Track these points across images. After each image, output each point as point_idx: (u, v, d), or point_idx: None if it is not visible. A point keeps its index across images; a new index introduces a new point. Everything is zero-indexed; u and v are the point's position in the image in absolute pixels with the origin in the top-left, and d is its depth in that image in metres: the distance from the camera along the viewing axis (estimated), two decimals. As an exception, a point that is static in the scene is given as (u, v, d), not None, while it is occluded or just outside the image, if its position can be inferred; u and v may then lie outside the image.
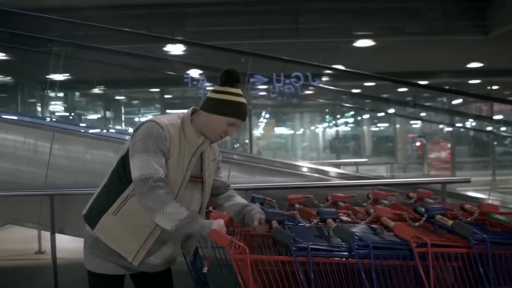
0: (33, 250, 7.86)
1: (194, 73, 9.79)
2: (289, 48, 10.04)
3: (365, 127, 16.31)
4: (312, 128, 15.82)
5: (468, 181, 4.66)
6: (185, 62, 9.33)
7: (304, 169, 6.64)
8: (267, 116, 15.35)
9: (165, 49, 9.51)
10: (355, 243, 2.88)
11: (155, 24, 9.14)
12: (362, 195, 4.11)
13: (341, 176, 7.05)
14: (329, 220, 3.13)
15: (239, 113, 2.76)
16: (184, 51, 9.35)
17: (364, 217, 3.44)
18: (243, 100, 2.77)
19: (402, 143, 15.23)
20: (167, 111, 14.06)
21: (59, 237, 5.00)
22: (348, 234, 2.84)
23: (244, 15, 9.11)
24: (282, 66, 9.53)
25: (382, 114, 14.64)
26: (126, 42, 9.03)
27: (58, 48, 7.64)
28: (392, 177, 11.23)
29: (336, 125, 15.57)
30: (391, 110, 14.44)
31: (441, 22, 8.88)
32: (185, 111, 2.87)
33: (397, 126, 15.38)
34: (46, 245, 7.06)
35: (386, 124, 16.25)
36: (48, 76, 10.67)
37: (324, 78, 10.60)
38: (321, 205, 3.91)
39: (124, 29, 7.31)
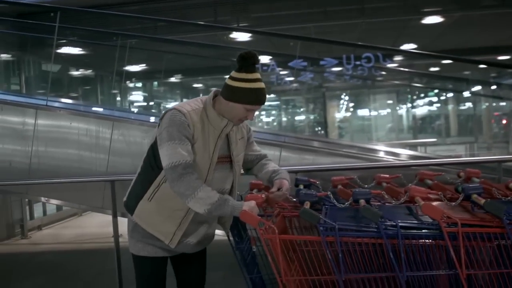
0: (110, 233, 8.31)
1: (264, 59, 9.89)
2: (355, 29, 9.90)
3: (445, 106, 15.77)
4: (389, 109, 15.49)
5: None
6: (246, 48, 9.39)
7: (369, 151, 6.62)
8: (344, 98, 15.20)
9: (231, 36, 9.65)
10: (384, 223, 2.88)
11: (221, 11, 9.30)
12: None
13: (410, 157, 6.96)
14: (361, 201, 3.14)
15: (256, 99, 2.77)
16: (250, 37, 9.44)
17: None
18: (260, 85, 2.77)
19: (486, 122, 14.61)
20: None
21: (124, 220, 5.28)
22: (373, 214, 2.84)
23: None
24: (352, 48, 9.41)
25: (462, 93, 14.05)
26: (193, 32, 9.25)
27: (131, 40, 7.96)
28: (471, 156, 10.83)
29: (413, 105, 15.19)
30: (474, 88, 13.90)
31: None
32: (209, 95, 2.92)
33: (481, 105, 14.76)
34: (123, 228, 7.46)
35: (469, 104, 15.59)
36: (125, 68, 11.18)
37: (397, 58, 10.39)
38: (366, 186, 3.91)
39: (183, 20, 7.47)
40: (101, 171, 5.58)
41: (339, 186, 3.83)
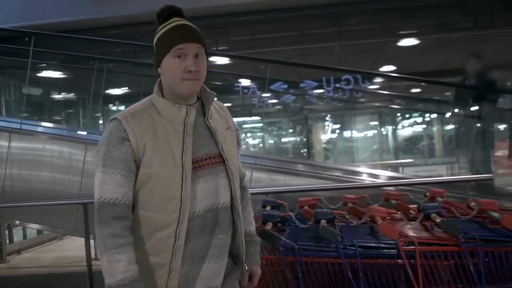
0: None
1: (245, 82, 9.98)
2: (333, 51, 10.02)
3: (427, 127, 15.89)
4: (370, 131, 15.59)
5: (490, 179, 4.53)
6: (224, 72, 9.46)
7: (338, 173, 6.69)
8: (325, 120, 15.29)
9: (210, 59, 9.72)
10: (342, 243, 2.91)
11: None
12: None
13: (388, 178, 7.03)
14: (322, 221, 3.18)
15: (176, 37, 1.98)
16: (229, 60, 9.52)
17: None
18: (178, 22, 2.02)
19: (465, 143, 14.69)
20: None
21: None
22: (331, 234, 2.88)
23: (286, 21, 9.17)
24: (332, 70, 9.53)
25: (443, 114, 14.20)
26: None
27: (109, 64, 8.01)
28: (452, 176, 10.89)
29: (394, 127, 15.29)
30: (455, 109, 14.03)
31: (488, 15, 8.64)
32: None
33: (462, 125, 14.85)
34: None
35: (451, 125, 15.70)
36: (106, 91, 11.22)
37: (377, 80, 10.50)
38: (332, 206, 3.95)
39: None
40: (74, 193, 5.57)
41: (305, 207, 3.87)
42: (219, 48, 9.77)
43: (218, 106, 2.25)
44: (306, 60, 9.98)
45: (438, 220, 2.98)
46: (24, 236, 10.07)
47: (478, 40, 9.24)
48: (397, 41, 9.56)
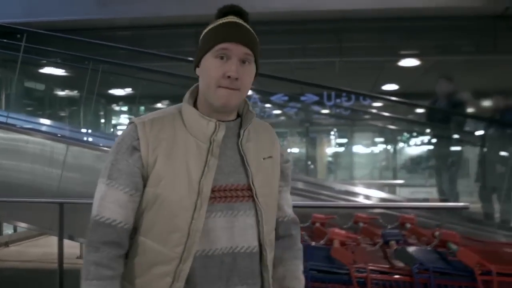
0: (74, 255, 8.29)
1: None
2: (334, 66, 10.02)
3: (427, 148, 15.80)
4: (369, 148, 15.52)
5: (466, 208, 4.47)
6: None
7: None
8: (324, 134, 15.23)
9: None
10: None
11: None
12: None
13: (380, 199, 6.99)
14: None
15: (222, 33, 1.63)
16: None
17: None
18: (230, 19, 1.67)
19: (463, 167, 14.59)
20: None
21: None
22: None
23: (287, 34, 9.20)
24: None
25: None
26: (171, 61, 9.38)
27: (103, 65, 8.05)
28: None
29: (395, 146, 15.24)
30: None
31: (491, 40, 8.62)
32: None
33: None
34: (73, 251, 7.50)
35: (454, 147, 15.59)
36: (110, 91, 11.29)
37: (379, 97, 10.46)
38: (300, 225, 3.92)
39: (144, 50, 7.57)
40: (52, 191, 5.58)
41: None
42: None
43: (263, 129, 1.82)
44: (308, 74, 10.00)
45: (394, 247, 2.96)
46: (15, 229, 10.13)
47: (480, 65, 9.21)
48: (398, 60, 9.55)
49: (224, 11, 1.68)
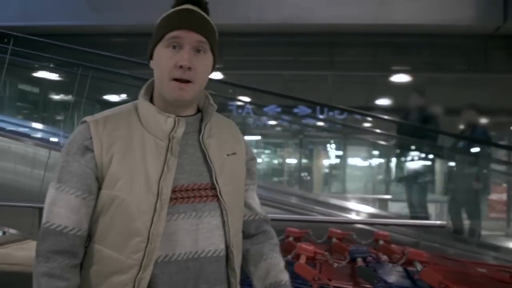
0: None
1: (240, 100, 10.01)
2: (326, 79, 10.05)
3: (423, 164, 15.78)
4: (364, 161, 15.50)
5: (442, 226, 4.46)
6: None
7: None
8: (321, 148, 15.21)
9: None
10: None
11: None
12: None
13: (370, 215, 7.01)
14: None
15: (174, 21, 1.53)
16: (223, 77, 9.56)
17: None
18: (184, 7, 1.56)
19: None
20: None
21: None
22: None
23: (280, 46, 9.24)
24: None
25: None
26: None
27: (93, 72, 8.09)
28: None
29: (388, 160, 15.23)
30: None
31: (481, 59, 8.66)
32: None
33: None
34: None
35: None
36: (104, 97, 11.29)
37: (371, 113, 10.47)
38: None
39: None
40: (35, 194, 5.57)
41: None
42: (212, 66, 9.83)
43: (227, 125, 1.73)
44: (300, 86, 10.02)
45: (358, 264, 2.96)
46: (4, 232, 10.11)
47: (471, 83, 9.25)
48: (390, 76, 9.58)
49: (181, 1, 1.57)
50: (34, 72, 9.96)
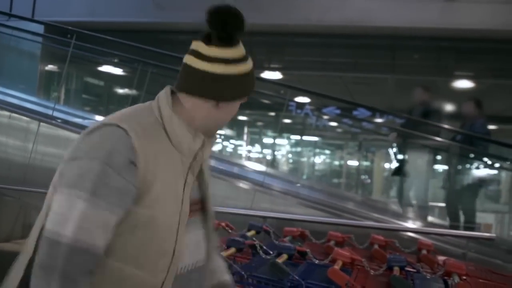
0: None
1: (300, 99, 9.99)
2: (385, 83, 9.88)
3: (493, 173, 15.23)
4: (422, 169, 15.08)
5: (491, 239, 4.30)
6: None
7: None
8: (381, 152, 14.95)
9: (261, 75, 9.82)
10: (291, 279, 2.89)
11: (256, 51, 9.54)
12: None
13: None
14: (284, 255, 3.16)
15: (248, 87, 1.54)
16: (282, 77, 9.57)
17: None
18: (250, 67, 1.52)
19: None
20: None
21: None
22: (282, 271, 2.87)
23: (340, 47, 9.16)
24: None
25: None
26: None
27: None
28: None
29: (450, 167, 14.79)
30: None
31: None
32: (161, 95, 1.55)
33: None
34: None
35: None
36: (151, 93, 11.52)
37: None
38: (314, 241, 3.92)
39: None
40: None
41: (289, 237, 3.86)
42: (271, 65, 9.84)
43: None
44: (360, 88, 9.90)
45: (396, 273, 2.92)
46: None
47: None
48: (453, 81, 9.32)
49: (229, 30, 1.45)
50: (98, 66, 10.28)
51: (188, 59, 1.49)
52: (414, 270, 3.25)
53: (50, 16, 8.83)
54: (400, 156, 7.68)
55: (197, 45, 1.49)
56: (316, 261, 3.26)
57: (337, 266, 2.94)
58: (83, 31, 7.07)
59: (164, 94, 1.51)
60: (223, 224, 3.90)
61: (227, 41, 1.46)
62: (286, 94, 7.08)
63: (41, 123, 6.21)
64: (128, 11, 9.27)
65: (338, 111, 10.60)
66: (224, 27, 1.44)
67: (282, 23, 8.75)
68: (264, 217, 4.62)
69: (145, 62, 7.43)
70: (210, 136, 1.55)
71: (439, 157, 7.68)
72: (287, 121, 10.86)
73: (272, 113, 11.00)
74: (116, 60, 9.68)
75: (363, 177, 13.37)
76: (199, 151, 1.51)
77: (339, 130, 11.75)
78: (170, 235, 1.42)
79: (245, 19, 1.45)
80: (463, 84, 9.24)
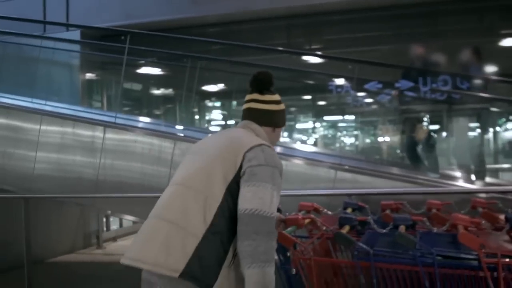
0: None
1: (340, 80, 9.89)
2: (429, 50, 9.69)
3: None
4: (468, 134, 14.94)
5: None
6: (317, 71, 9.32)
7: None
8: (422, 121, 14.79)
9: (303, 58, 9.72)
10: (420, 250, 2.84)
11: (294, 33, 9.45)
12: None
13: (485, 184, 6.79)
14: (401, 227, 3.11)
15: (285, 120, 2.69)
16: (323, 59, 9.47)
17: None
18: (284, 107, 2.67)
19: None
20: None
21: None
22: (408, 241, 2.81)
23: (379, 20, 9.03)
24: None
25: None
26: (266, 54, 9.48)
27: (202, 62, 8.27)
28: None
29: (495, 130, 14.59)
30: None
31: None
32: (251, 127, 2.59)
33: None
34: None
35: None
36: (203, 88, 11.53)
37: (477, 80, 10.07)
38: (415, 211, 3.85)
39: (246, 44, 7.65)
40: (163, 186, 5.76)
41: (387, 211, 3.80)
42: (312, 47, 9.76)
43: None
44: (401, 59, 9.71)
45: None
46: (120, 225, 10.59)
47: None
48: (499, 40, 9.13)
49: (270, 83, 2.61)
50: (141, 68, 10.30)
51: (252, 105, 2.58)
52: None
53: (85, 23, 8.88)
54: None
55: (254, 96, 2.58)
56: (435, 230, 3.20)
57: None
58: (138, 31, 7.05)
59: (248, 127, 2.55)
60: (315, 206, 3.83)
61: (271, 90, 2.61)
62: (354, 71, 6.96)
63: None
64: (162, 9, 9.24)
65: (380, 85, 10.50)
66: (271, 82, 2.61)
67: (316, 3, 8.66)
68: (349, 195, 4.56)
69: (188, 56, 7.41)
70: None
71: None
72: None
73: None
74: (155, 60, 9.69)
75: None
76: None
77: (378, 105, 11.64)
78: None
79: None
80: (509, 42, 9.06)
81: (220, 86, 12.14)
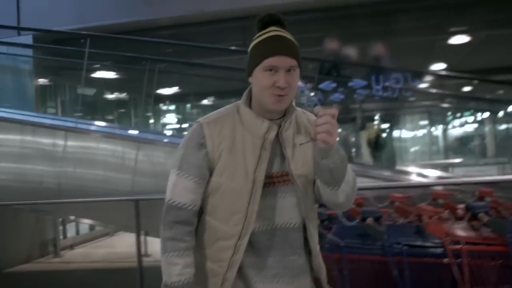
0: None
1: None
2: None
3: (479, 127, 15.56)
4: (420, 130, 15.37)
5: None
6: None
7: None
8: (374, 119, 15.12)
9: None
10: (389, 240, 2.94)
11: (249, 35, 9.48)
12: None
13: (438, 177, 6.98)
14: (369, 219, 3.21)
15: (269, 48, 1.86)
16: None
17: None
18: (274, 33, 1.89)
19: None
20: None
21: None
22: (377, 232, 2.91)
23: (332, 20, 9.19)
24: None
25: (496, 113, 13.86)
26: (222, 55, 9.49)
27: (160, 64, 8.22)
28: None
29: (445, 127, 15.05)
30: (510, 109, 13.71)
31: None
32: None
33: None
34: (151, 249, 7.69)
35: (504, 124, 15.37)
36: (157, 91, 11.46)
37: (428, 78, 10.35)
38: (379, 205, 3.97)
39: (207, 45, 7.66)
40: (126, 190, 5.74)
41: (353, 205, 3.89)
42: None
43: (305, 118, 2.04)
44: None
45: (485, 219, 2.97)
46: (77, 232, 10.42)
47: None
48: (447, 38, 9.42)
49: (265, 21, 1.92)
50: (95, 72, 10.16)
51: None
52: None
53: (37, 27, 8.71)
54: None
55: None
56: (400, 221, 3.31)
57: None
58: (98, 33, 6.95)
59: (245, 92, 2.00)
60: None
61: (262, 28, 1.91)
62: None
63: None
64: (118, 12, 9.11)
65: (334, 85, 10.68)
66: (262, 19, 1.92)
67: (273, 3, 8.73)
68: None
69: (152, 60, 7.37)
70: (272, 114, 1.93)
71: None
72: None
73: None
74: (106, 64, 9.58)
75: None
76: (267, 133, 1.92)
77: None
78: (240, 197, 1.90)
79: (276, 16, 1.92)
80: (459, 39, 9.35)
81: (175, 89, 12.12)
